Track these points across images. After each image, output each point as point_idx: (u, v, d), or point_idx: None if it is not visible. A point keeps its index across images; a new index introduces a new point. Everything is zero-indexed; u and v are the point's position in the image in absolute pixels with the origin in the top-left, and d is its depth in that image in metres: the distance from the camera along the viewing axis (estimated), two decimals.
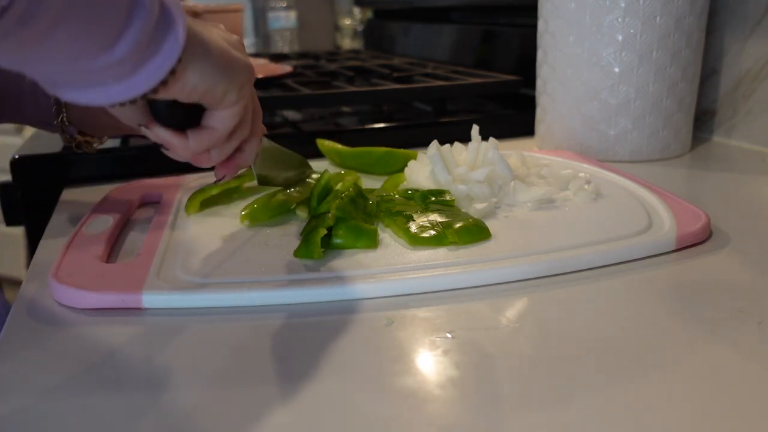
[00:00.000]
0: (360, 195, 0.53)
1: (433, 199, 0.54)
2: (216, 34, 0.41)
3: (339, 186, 0.55)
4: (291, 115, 1.02)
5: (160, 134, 0.42)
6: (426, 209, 0.52)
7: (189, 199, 0.56)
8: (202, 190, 0.56)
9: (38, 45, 0.30)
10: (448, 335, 0.37)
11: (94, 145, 0.63)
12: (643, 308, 0.40)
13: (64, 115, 0.59)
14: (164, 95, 0.37)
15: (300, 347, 0.36)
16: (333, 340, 0.37)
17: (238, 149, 0.46)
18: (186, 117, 0.42)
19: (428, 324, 0.38)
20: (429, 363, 0.34)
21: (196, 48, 0.38)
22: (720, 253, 0.47)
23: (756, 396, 0.31)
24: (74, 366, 0.35)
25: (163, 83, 0.36)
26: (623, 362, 0.34)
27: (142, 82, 0.35)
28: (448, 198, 0.54)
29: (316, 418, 0.30)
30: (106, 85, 0.34)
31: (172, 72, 0.36)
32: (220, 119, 0.42)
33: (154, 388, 0.33)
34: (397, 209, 0.52)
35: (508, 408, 0.30)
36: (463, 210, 0.53)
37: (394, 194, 0.56)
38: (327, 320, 0.39)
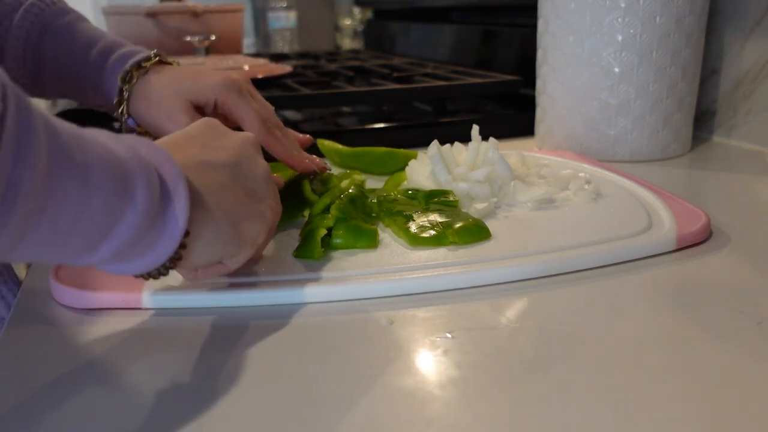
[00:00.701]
0: (361, 194, 0.53)
1: (436, 199, 0.54)
2: (225, 180, 0.37)
3: (343, 183, 0.55)
4: (291, 115, 1.02)
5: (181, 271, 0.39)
6: (427, 209, 0.52)
7: None
8: None
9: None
10: (448, 335, 0.37)
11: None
12: (643, 308, 0.40)
13: (125, 107, 0.57)
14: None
15: (300, 347, 0.36)
16: (333, 340, 0.37)
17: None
18: None
19: (428, 324, 0.38)
20: (429, 363, 0.34)
21: (201, 228, 0.35)
22: (720, 253, 0.47)
23: (756, 396, 0.31)
24: (74, 366, 0.35)
25: (170, 265, 0.34)
26: (623, 362, 0.34)
27: (152, 263, 0.33)
28: (451, 198, 0.54)
29: (316, 418, 0.30)
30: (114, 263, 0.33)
31: (178, 258, 0.34)
32: (232, 262, 0.39)
33: (154, 388, 0.33)
34: (398, 209, 0.52)
35: (508, 408, 0.30)
36: (463, 210, 0.53)
37: (396, 194, 0.56)
38: (327, 320, 0.39)
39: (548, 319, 0.39)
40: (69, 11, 0.63)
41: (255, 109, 0.55)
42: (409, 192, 0.56)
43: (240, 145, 0.41)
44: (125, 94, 0.57)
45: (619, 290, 0.42)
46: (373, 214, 0.52)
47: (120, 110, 0.58)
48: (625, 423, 0.29)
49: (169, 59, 0.60)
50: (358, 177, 0.59)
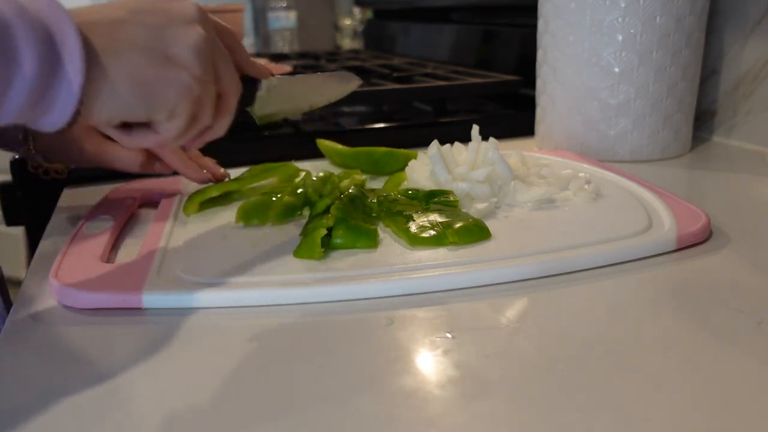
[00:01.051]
0: (361, 194, 0.53)
1: (436, 199, 0.54)
2: (140, 41, 0.38)
3: (344, 183, 0.55)
4: None
5: (108, 130, 0.41)
6: (427, 209, 0.52)
7: (188, 200, 0.56)
8: (201, 191, 0.57)
9: None
10: (448, 335, 0.37)
11: (61, 172, 0.61)
12: (642, 308, 0.40)
13: (31, 143, 0.57)
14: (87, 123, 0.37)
15: (300, 347, 0.36)
16: (333, 340, 0.37)
17: (209, 127, 0.44)
18: None
19: (428, 324, 0.38)
20: (429, 363, 0.34)
21: (99, 86, 0.36)
22: (720, 253, 0.47)
23: (756, 396, 0.31)
24: (74, 366, 0.35)
25: (73, 121, 0.35)
26: (622, 362, 0.34)
27: (57, 119, 0.35)
28: (451, 198, 0.54)
29: (316, 417, 0.30)
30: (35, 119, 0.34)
31: (78, 112, 0.35)
32: (162, 129, 0.40)
33: (154, 388, 0.33)
34: (398, 209, 0.52)
35: (508, 408, 0.30)
36: (464, 210, 0.53)
37: (396, 194, 0.56)
38: (327, 320, 0.39)
39: (548, 319, 0.39)
40: None
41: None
42: (410, 192, 0.56)
43: (178, 11, 0.40)
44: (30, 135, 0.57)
45: (619, 290, 0.42)
46: (374, 214, 0.52)
47: (27, 146, 0.57)
48: (625, 423, 0.29)
49: None
50: (359, 177, 0.59)
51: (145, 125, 0.41)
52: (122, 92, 0.37)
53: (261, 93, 0.51)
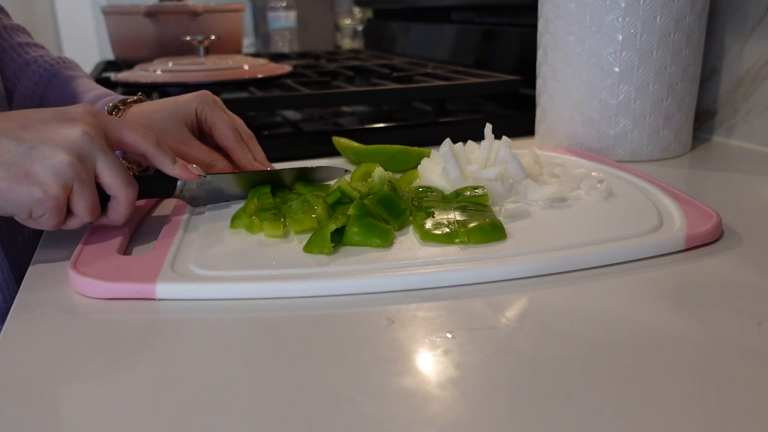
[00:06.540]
0: (393, 192, 0.52)
1: (468, 193, 0.54)
2: (6, 156, 0.44)
3: (372, 177, 0.55)
4: (291, 115, 1.02)
5: None
6: (452, 207, 0.52)
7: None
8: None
9: None
10: (448, 335, 0.37)
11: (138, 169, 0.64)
12: (645, 308, 0.40)
13: None
14: None
15: (300, 346, 0.36)
16: (334, 339, 0.37)
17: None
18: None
19: (428, 324, 0.38)
20: (429, 363, 0.34)
21: None
22: (726, 254, 0.47)
23: (757, 396, 0.31)
24: (88, 353, 0.36)
25: None
26: (623, 362, 0.34)
27: None
28: (480, 192, 0.53)
29: (317, 417, 0.30)
30: None
31: None
32: (39, 224, 0.46)
33: (165, 375, 0.33)
34: (426, 205, 0.52)
35: (508, 408, 0.30)
36: (495, 208, 0.53)
37: (432, 191, 0.56)
38: (328, 318, 0.39)
39: (549, 319, 0.39)
40: (74, 67, 0.73)
41: (227, 118, 0.62)
42: (427, 189, 0.57)
43: (56, 135, 0.45)
44: None
45: (623, 290, 0.42)
46: (403, 207, 0.51)
47: None
48: (626, 423, 0.29)
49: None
50: (383, 172, 0.57)
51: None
52: None
53: (191, 186, 0.55)
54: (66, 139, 0.45)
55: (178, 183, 0.54)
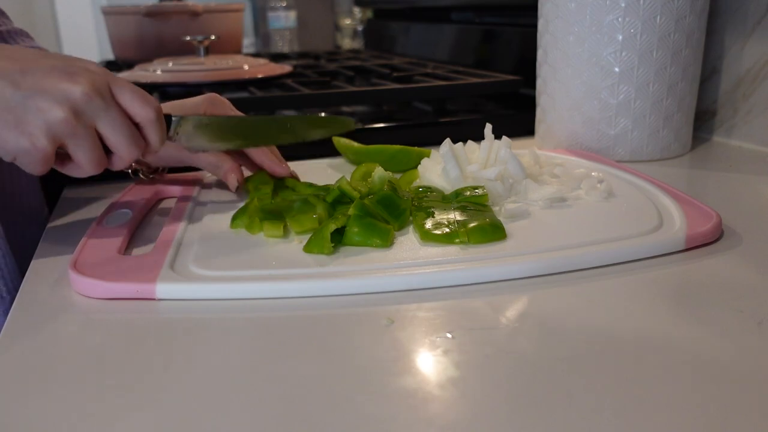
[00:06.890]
0: (393, 192, 0.53)
1: (468, 193, 0.54)
2: (1, 102, 0.42)
3: (372, 177, 0.55)
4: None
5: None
6: (452, 207, 0.52)
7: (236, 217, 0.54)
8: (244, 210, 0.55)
9: None
10: (448, 335, 0.37)
11: (149, 175, 0.64)
12: (645, 308, 0.40)
13: None
14: None
15: (300, 346, 0.36)
16: (333, 340, 0.37)
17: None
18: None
19: (428, 324, 0.38)
20: (429, 363, 0.34)
21: None
22: (726, 254, 0.47)
23: (757, 396, 0.31)
24: (88, 353, 0.36)
25: None
26: (623, 362, 0.34)
27: None
28: (480, 192, 0.53)
29: (317, 417, 0.30)
30: None
31: None
32: (24, 166, 0.45)
33: (165, 375, 0.33)
34: (425, 205, 0.52)
35: (508, 408, 0.30)
36: (495, 208, 0.53)
37: (432, 191, 0.56)
38: (327, 318, 0.39)
39: (550, 319, 0.39)
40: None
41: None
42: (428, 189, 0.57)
43: (59, 88, 0.43)
44: None
45: (622, 290, 0.42)
46: (403, 207, 0.51)
47: None
48: (626, 423, 0.29)
49: None
50: (383, 172, 0.57)
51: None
52: None
53: (186, 128, 0.54)
54: (64, 94, 0.44)
55: (173, 120, 0.53)
